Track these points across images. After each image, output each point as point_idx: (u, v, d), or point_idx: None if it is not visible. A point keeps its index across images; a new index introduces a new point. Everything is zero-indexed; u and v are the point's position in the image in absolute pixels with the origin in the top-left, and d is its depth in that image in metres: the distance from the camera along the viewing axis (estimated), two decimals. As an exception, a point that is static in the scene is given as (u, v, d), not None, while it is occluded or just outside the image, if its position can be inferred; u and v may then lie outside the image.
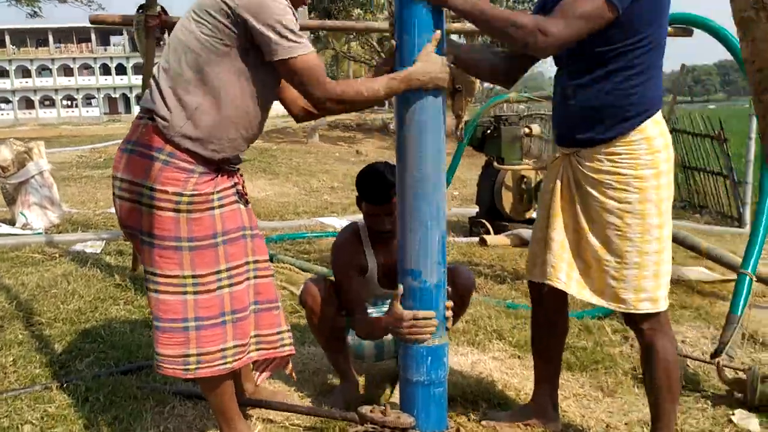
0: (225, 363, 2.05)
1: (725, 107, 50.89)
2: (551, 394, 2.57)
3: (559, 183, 2.26)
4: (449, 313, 2.28)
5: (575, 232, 2.23)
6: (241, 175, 2.20)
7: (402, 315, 2.20)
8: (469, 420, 2.59)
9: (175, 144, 1.97)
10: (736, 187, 7.45)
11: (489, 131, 6.07)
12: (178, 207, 1.97)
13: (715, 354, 2.88)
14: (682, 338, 3.45)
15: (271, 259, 4.87)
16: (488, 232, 5.72)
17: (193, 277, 2.00)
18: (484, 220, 5.84)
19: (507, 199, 5.78)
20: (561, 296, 2.45)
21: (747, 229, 6.40)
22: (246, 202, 2.16)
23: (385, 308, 2.84)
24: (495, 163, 5.77)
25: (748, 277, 3.00)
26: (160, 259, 1.99)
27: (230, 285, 2.05)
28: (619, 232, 2.12)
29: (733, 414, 2.69)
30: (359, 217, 7.06)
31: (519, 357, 3.28)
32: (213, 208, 2.02)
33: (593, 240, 2.17)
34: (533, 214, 6.09)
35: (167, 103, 1.98)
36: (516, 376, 3.06)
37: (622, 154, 2.11)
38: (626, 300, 2.14)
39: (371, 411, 2.30)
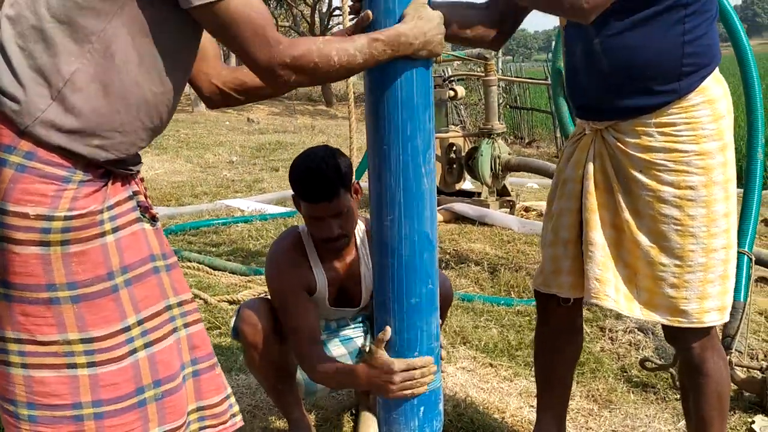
0: (149, 462, 1.37)
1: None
2: (558, 425, 2.08)
3: (591, 167, 1.71)
4: (444, 353, 1.72)
5: (615, 230, 1.70)
6: (142, 180, 1.48)
7: (392, 366, 1.61)
8: (458, 465, 2.07)
9: (36, 138, 1.25)
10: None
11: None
12: (46, 238, 1.26)
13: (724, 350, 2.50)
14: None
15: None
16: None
17: (84, 341, 1.30)
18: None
19: (436, 171, 5.27)
20: (577, 310, 1.94)
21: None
22: (153, 219, 1.45)
23: (344, 334, 2.24)
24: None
25: (746, 257, 2.63)
26: (27, 319, 1.28)
27: (147, 345, 1.37)
28: (679, 227, 1.62)
29: (753, 422, 2.33)
30: (269, 197, 6.23)
31: (491, 365, 2.79)
32: (103, 234, 1.32)
33: (643, 239, 1.65)
34: (464, 185, 5.63)
35: (18, 75, 1.25)
36: (494, 393, 2.56)
37: (678, 125, 1.59)
38: (688, 312, 1.65)
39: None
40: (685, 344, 1.74)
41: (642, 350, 2.89)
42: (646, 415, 2.41)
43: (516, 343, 2.98)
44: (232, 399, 1.56)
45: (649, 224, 1.66)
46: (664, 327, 1.79)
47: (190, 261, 4.05)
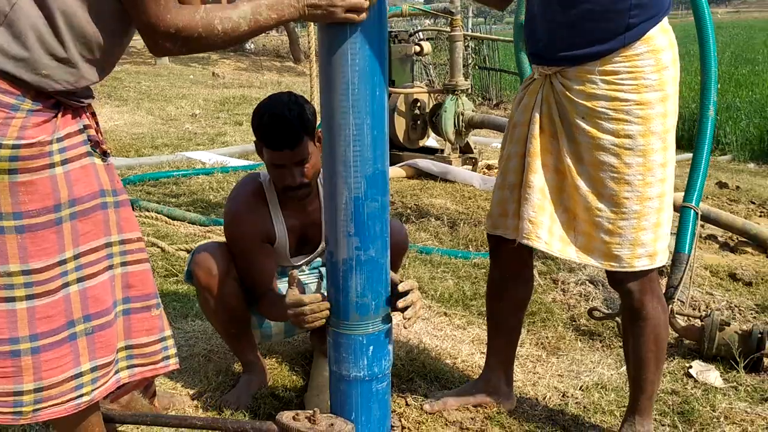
0: (80, 396, 1.38)
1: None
2: (506, 369, 2.15)
3: (537, 113, 1.73)
4: (410, 302, 1.73)
5: (557, 174, 1.74)
6: (94, 115, 1.46)
7: (286, 299, 1.74)
8: (408, 405, 2.12)
9: (-24, 63, 1.22)
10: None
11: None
12: (-10, 167, 1.24)
13: (665, 299, 2.58)
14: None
15: (131, 206, 4.06)
16: (380, 164, 5.19)
17: (24, 273, 1.29)
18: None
19: (400, 126, 5.25)
20: (526, 254, 1.98)
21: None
22: (104, 155, 1.43)
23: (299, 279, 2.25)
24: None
25: (693, 211, 2.71)
26: (-34, 248, 1.27)
27: (80, 279, 1.36)
28: (615, 175, 1.66)
29: (690, 366, 2.43)
30: (232, 150, 6.17)
31: (446, 314, 2.84)
32: (52, 166, 1.30)
33: (582, 185, 1.69)
34: (428, 142, 5.63)
35: None
36: (447, 340, 2.62)
37: (621, 73, 1.61)
38: (620, 257, 1.71)
39: (294, 418, 1.75)
40: (627, 288, 1.80)
41: (591, 301, 2.98)
42: (591, 361, 2.49)
43: (471, 293, 3.04)
44: (169, 342, 1.57)
45: (588, 170, 1.69)
46: (607, 271, 1.85)
47: (149, 210, 4.00)
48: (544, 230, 1.73)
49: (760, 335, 2.39)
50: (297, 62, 16.99)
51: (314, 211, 2.10)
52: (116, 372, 1.46)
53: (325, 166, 1.65)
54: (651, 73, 1.62)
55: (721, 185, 5.77)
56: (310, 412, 1.75)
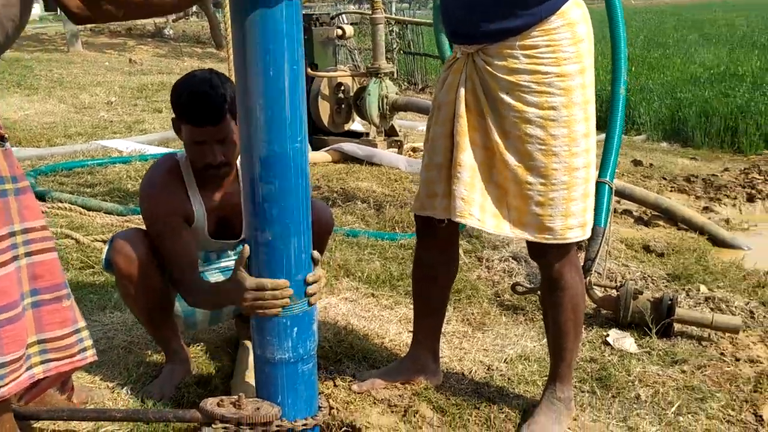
0: (-12, 392, 1.31)
1: None
2: (432, 346, 2.17)
3: (462, 91, 1.75)
4: (316, 275, 1.71)
5: (486, 151, 1.76)
6: None
7: (244, 283, 1.63)
8: (336, 386, 2.12)
9: None
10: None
11: (297, 33, 5.35)
12: None
13: (583, 271, 2.67)
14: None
15: (42, 198, 3.87)
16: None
17: None
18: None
19: (324, 111, 5.20)
20: (454, 232, 2.01)
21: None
22: (1, 140, 1.35)
23: (225, 265, 2.20)
24: (308, 70, 5.12)
25: (607, 186, 2.81)
26: None
27: None
28: (543, 147, 1.69)
29: (608, 335, 2.53)
30: (151, 137, 5.99)
31: (373, 295, 2.85)
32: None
33: (511, 159, 1.72)
34: (353, 126, 5.60)
35: None
36: (375, 320, 2.63)
37: (541, 47, 1.65)
38: (554, 229, 1.75)
39: (219, 404, 1.72)
40: (547, 260, 1.85)
41: (515, 277, 3.05)
42: (515, 334, 2.56)
43: (398, 274, 3.05)
44: (84, 333, 1.51)
45: (516, 144, 1.72)
46: (528, 245, 1.89)
47: (62, 201, 3.83)
48: (476, 208, 1.75)
49: (670, 302, 2.51)
50: (219, 48, 16.55)
51: (234, 192, 2.06)
52: (29, 368, 1.39)
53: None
54: (568, 45, 1.66)
55: (636, 163, 6.02)
56: (235, 397, 1.72)
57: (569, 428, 1.96)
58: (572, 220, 1.75)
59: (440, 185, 1.85)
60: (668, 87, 10.30)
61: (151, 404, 1.98)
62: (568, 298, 1.88)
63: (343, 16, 6.27)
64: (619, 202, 4.37)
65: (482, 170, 1.77)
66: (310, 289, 1.66)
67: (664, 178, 5.13)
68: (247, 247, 1.63)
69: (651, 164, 5.97)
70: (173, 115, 1.97)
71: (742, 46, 14.61)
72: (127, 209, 3.76)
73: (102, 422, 1.84)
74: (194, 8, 20.90)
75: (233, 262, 2.20)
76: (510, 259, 3.22)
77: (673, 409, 2.06)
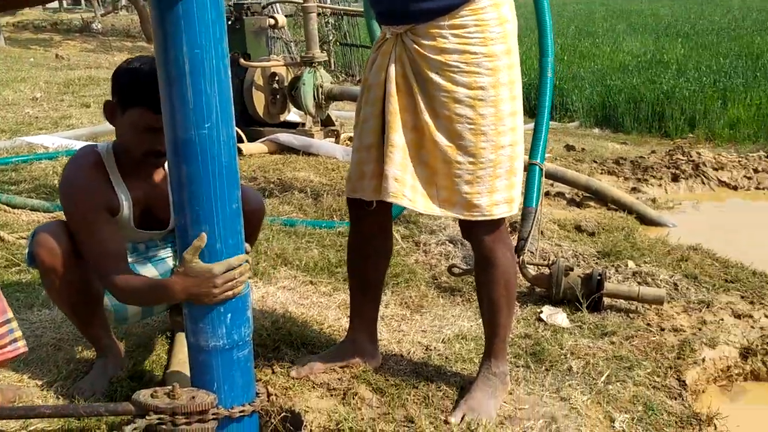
0: None
1: None
2: (370, 328, 2.18)
3: (392, 72, 1.75)
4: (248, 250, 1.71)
5: (416, 132, 1.77)
6: None
7: (213, 270, 1.57)
8: (274, 373, 2.11)
9: None
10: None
11: (229, 23, 5.26)
12: None
13: (517, 251, 2.74)
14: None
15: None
16: (241, 140, 5.06)
17: None
18: (236, 128, 5.11)
19: (259, 101, 5.13)
20: (386, 214, 2.02)
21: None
22: None
23: (154, 255, 2.15)
24: (241, 60, 5.04)
25: (538, 168, 2.88)
26: None
27: None
28: (472, 126, 1.72)
29: (541, 311, 2.60)
30: (78, 133, 5.76)
31: (312, 282, 2.85)
32: None
33: (441, 139, 1.74)
34: (289, 116, 5.55)
35: None
36: (314, 307, 2.63)
37: (469, 27, 1.67)
38: (481, 206, 1.78)
39: (153, 395, 1.68)
40: (479, 238, 1.88)
41: (452, 259, 3.10)
42: (453, 315, 2.60)
43: (336, 261, 3.05)
44: (14, 324, 1.47)
45: (446, 124, 1.74)
46: (460, 224, 1.92)
47: (-14, 200, 3.67)
48: (409, 189, 1.76)
49: (599, 277, 2.60)
50: (150, 41, 16.12)
51: (162, 182, 2.01)
52: None
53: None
54: (495, 26, 1.69)
55: (569, 148, 6.19)
56: (169, 387, 1.69)
57: (505, 402, 2.00)
58: (498, 196, 1.78)
59: (369, 166, 1.85)
60: (598, 75, 10.61)
61: (83, 400, 1.92)
62: (500, 275, 1.92)
63: (278, 5, 6.19)
64: (552, 185, 4.49)
65: (412, 151, 1.78)
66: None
67: (595, 162, 5.29)
68: (204, 234, 1.58)
69: (583, 149, 6.15)
70: (112, 100, 1.89)
71: (667, 35, 15.18)
72: (53, 205, 3.63)
73: (31, 420, 1.78)
74: (123, 1, 20.28)
75: (162, 251, 2.16)
76: (447, 242, 3.26)
77: (603, 378, 2.14)
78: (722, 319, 2.61)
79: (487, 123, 1.73)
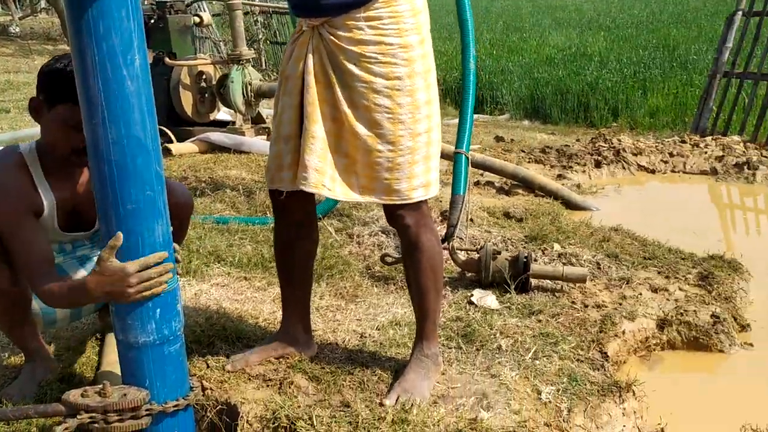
0: None
1: None
2: (303, 318, 2.21)
3: (310, 63, 1.78)
4: (179, 257, 1.71)
5: (334, 123, 1.81)
6: None
7: (126, 269, 1.55)
8: (209, 368, 2.11)
9: None
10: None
11: (152, 22, 5.16)
12: None
13: (446, 238, 2.82)
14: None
15: None
16: (171, 141, 4.99)
17: None
18: (164, 128, 5.03)
19: (187, 101, 5.06)
20: (309, 203, 2.05)
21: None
22: None
23: (82, 254, 2.11)
24: (166, 59, 4.96)
25: (464, 156, 2.96)
26: None
27: None
28: (390, 115, 1.77)
29: (472, 295, 2.68)
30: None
31: (246, 278, 2.85)
32: None
33: (361, 129, 1.78)
34: (219, 115, 5.50)
35: None
36: (248, 302, 2.64)
37: (384, 18, 1.72)
38: (400, 191, 1.83)
39: (83, 395, 1.66)
40: (403, 224, 1.93)
41: (384, 250, 3.15)
42: (387, 303, 2.65)
43: (270, 256, 3.06)
44: None
45: (365, 114, 1.79)
46: (385, 211, 1.97)
47: None
48: (328, 179, 1.80)
49: (525, 259, 2.70)
50: (73, 44, 15.58)
51: (87, 182, 1.98)
52: None
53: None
54: (409, 17, 1.74)
55: (498, 139, 6.36)
56: (100, 386, 1.67)
57: (438, 382, 2.07)
58: (416, 181, 1.84)
59: (287, 156, 1.88)
60: (526, 68, 10.91)
61: (11, 405, 1.88)
62: (427, 259, 1.98)
63: (203, 3, 6.11)
64: (482, 174, 4.61)
65: (331, 141, 1.82)
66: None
67: (523, 151, 5.45)
68: (120, 234, 1.57)
69: (512, 139, 6.33)
70: (38, 97, 1.84)
71: (590, 29, 15.72)
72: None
73: (-47, 429, 1.73)
74: (43, 4, 19.51)
75: (89, 250, 2.13)
76: (379, 233, 3.31)
77: (530, 354, 2.23)
78: (641, 294, 2.76)
79: (405, 112, 1.78)
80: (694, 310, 2.63)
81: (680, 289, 2.83)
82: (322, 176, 1.79)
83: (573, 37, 14.29)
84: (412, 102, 1.79)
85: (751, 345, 2.60)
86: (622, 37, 13.76)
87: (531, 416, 1.93)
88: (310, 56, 1.79)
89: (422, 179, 1.85)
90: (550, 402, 2.01)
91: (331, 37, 1.76)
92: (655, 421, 2.10)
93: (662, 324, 2.59)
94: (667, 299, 2.74)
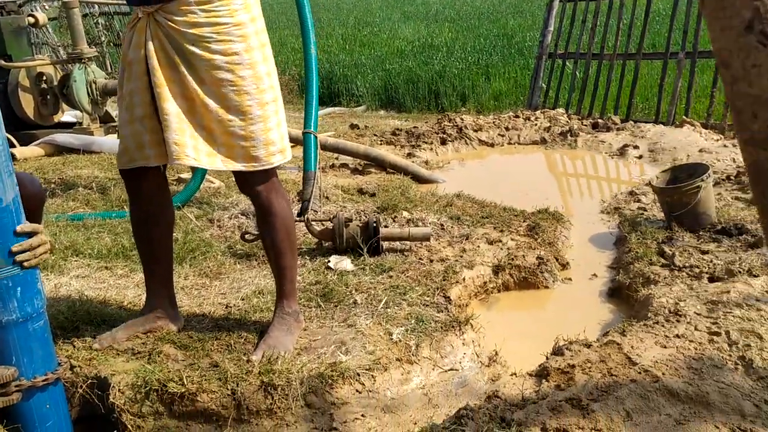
0: None
1: None
2: (168, 291, 2.31)
3: (151, 47, 1.91)
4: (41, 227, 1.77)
5: (187, 100, 1.95)
6: None
7: None
8: (76, 348, 2.17)
9: None
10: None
11: (-18, 24, 4.91)
12: None
13: (302, 212, 3.01)
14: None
15: None
16: (13, 145, 4.78)
17: None
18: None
19: (27, 103, 4.87)
20: (161, 182, 2.17)
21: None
22: None
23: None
24: (1, 62, 4.74)
25: (312, 136, 3.16)
26: None
27: None
28: (234, 88, 1.94)
29: (329, 261, 2.90)
30: None
31: (107, 268, 2.88)
32: None
33: (210, 102, 1.94)
34: (65, 117, 5.32)
35: None
36: (111, 288, 2.69)
37: (215, 2, 1.88)
38: (259, 157, 2.01)
39: (-54, 380, 1.69)
40: (255, 190, 2.10)
41: (244, 230, 3.29)
42: (250, 276, 2.80)
43: (131, 245, 3.10)
44: None
45: (212, 89, 1.94)
46: (236, 179, 2.13)
47: None
48: (190, 149, 1.94)
49: (375, 224, 2.95)
50: None
51: None
52: None
53: None
54: None
55: (353, 126, 6.63)
56: (-37, 369, 1.71)
57: (300, 337, 2.26)
58: (273, 147, 2.03)
59: (146, 135, 1.99)
60: (379, 60, 11.29)
61: None
62: (280, 221, 2.16)
63: (36, 4, 5.86)
64: (337, 158, 4.84)
65: (187, 116, 1.96)
66: (23, 256, 1.70)
67: (375, 135, 5.75)
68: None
69: (366, 126, 6.62)
70: None
71: (437, 21, 16.48)
72: None
73: None
74: None
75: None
76: (239, 215, 3.45)
77: (382, 304, 2.48)
78: (479, 247, 3.10)
79: (248, 83, 1.96)
80: (523, 255, 3.01)
81: (512, 240, 3.21)
82: (183, 147, 1.93)
83: (421, 29, 14.92)
84: (254, 74, 1.97)
85: (570, 279, 3.03)
86: (466, 27, 14.56)
87: (384, 354, 2.17)
88: (150, 41, 1.92)
89: (279, 145, 2.04)
90: (400, 341, 2.26)
91: (168, 23, 1.90)
92: (491, 348, 2.42)
93: (497, 269, 2.94)
94: (501, 249, 3.10)
